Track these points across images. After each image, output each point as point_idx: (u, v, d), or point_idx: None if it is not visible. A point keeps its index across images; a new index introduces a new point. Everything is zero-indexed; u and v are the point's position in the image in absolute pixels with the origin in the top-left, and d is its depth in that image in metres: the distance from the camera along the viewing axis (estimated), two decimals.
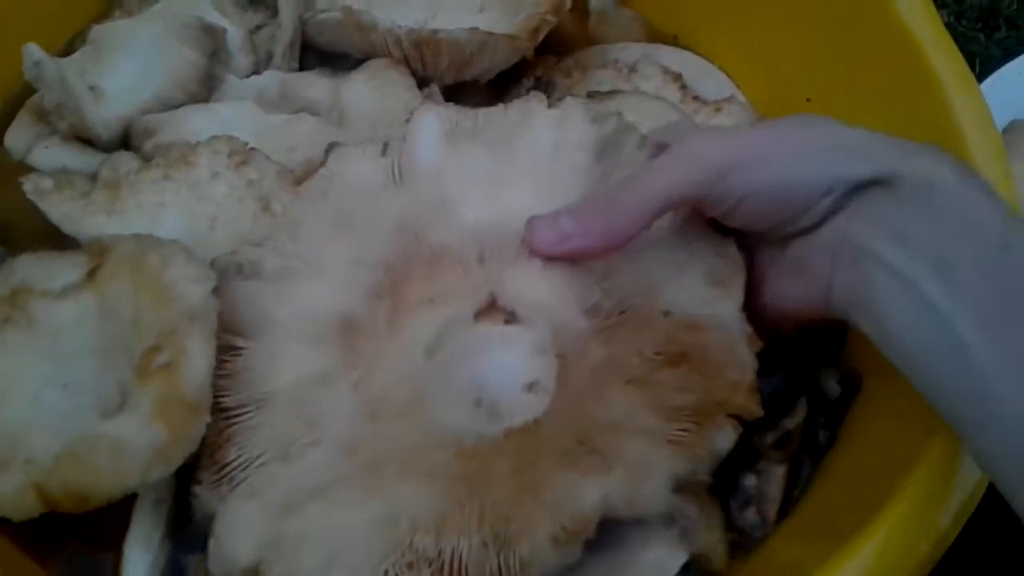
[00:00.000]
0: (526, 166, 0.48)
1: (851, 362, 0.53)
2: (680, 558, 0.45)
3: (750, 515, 0.47)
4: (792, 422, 0.48)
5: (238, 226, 0.49)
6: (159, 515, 0.45)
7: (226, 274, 0.45)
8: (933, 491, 0.38)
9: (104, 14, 0.65)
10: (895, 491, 0.38)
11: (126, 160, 0.52)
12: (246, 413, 0.44)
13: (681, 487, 0.40)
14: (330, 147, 0.49)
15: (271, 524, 0.40)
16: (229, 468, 0.43)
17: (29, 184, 0.50)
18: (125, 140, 0.56)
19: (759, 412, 0.41)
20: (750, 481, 0.47)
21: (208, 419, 0.44)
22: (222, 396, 0.43)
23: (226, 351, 0.44)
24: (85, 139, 0.56)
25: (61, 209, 0.50)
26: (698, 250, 0.45)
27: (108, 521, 0.45)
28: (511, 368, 0.43)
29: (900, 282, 0.37)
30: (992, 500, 0.38)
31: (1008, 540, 0.53)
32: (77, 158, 0.55)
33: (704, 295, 0.44)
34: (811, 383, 0.50)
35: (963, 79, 0.51)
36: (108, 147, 0.55)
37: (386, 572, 0.38)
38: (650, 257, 0.45)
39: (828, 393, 0.49)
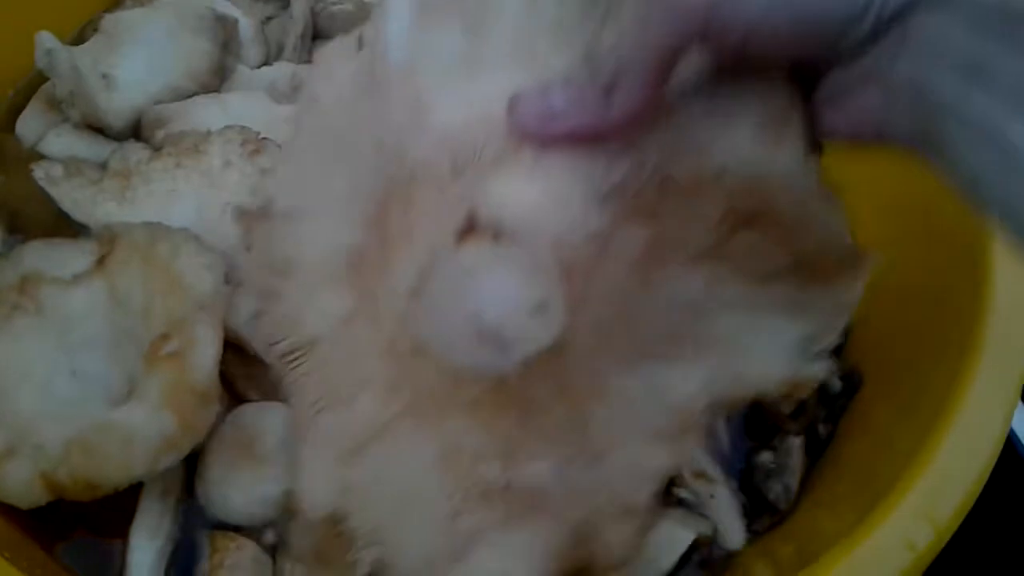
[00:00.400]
0: (503, 36, 0.39)
1: (852, 358, 0.53)
2: (688, 537, 0.45)
3: (774, 486, 0.47)
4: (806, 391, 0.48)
5: None
6: (166, 503, 0.45)
7: (252, 218, 0.43)
8: (935, 483, 0.38)
9: (116, 3, 0.65)
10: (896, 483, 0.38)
11: (136, 150, 0.53)
12: (296, 360, 0.41)
13: (800, 355, 0.36)
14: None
15: (340, 472, 0.38)
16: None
17: (40, 171, 0.50)
18: (136, 129, 0.56)
19: (862, 274, 0.37)
20: (767, 456, 0.48)
21: (217, 408, 0.44)
22: (274, 344, 0.41)
23: (267, 297, 0.42)
24: (97, 128, 0.56)
25: (71, 196, 0.50)
26: (742, 95, 0.36)
27: (115, 509, 0.45)
28: (506, 294, 0.37)
29: (980, 131, 0.29)
30: (992, 496, 0.39)
31: (1008, 537, 0.54)
32: (88, 147, 0.55)
33: (759, 147, 0.36)
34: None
35: None
36: (119, 136, 0.55)
37: (460, 505, 0.36)
38: (685, 114, 0.36)
39: (829, 388, 0.49)
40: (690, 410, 0.36)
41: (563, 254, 0.36)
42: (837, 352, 0.54)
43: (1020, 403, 0.53)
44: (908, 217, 0.53)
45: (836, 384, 0.49)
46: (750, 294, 0.36)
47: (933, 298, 0.49)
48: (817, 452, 0.50)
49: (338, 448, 0.39)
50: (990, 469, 0.40)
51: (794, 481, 0.48)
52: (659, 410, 0.36)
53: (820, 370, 0.36)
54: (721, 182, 0.35)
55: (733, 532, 0.47)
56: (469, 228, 0.37)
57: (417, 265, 0.38)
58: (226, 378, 0.47)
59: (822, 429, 0.50)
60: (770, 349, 0.36)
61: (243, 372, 0.48)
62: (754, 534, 0.48)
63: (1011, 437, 0.53)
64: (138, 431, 0.42)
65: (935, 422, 0.41)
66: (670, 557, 0.46)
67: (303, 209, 0.42)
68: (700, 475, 0.48)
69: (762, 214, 0.35)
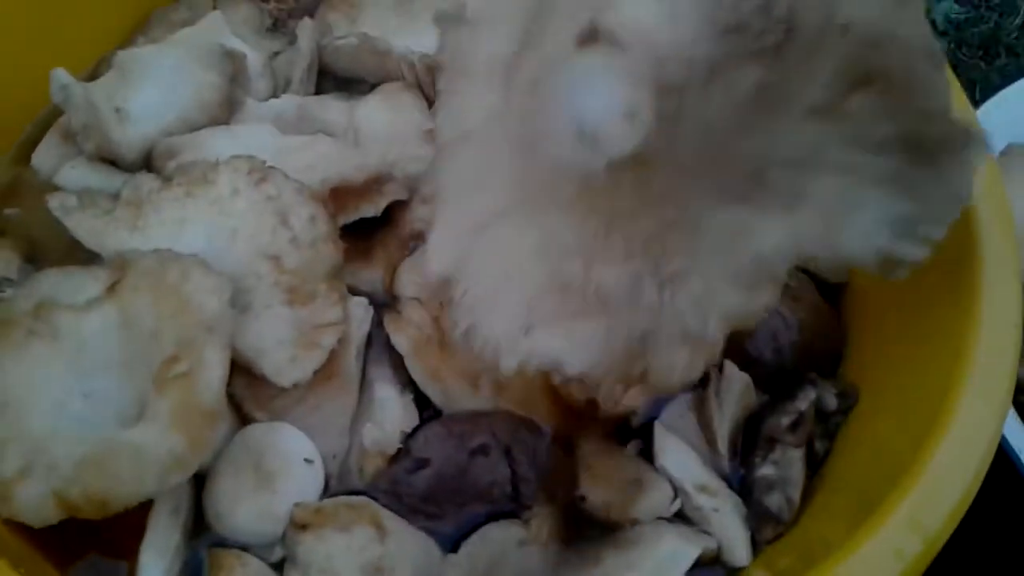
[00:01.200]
0: None
1: (848, 376, 0.54)
2: (692, 552, 0.46)
3: (776, 499, 0.48)
4: (804, 403, 0.49)
5: (257, 240, 0.50)
6: (175, 521, 0.46)
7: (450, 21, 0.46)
8: (925, 493, 0.39)
9: (129, 40, 0.67)
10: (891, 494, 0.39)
11: (148, 180, 0.54)
12: (453, 148, 0.45)
13: (901, 233, 0.37)
14: None
15: (464, 243, 0.43)
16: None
17: (55, 202, 0.52)
18: (148, 160, 0.58)
19: (972, 158, 0.36)
20: (768, 470, 0.48)
21: (225, 427, 0.45)
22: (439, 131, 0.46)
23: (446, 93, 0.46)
24: (110, 160, 0.58)
25: (84, 226, 0.52)
26: None
27: (126, 530, 0.46)
28: (604, 97, 0.38)
29: None
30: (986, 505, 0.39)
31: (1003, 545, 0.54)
32: (102, 178, 0.57)
33: (887, 5, 0.36)
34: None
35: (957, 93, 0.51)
36: (132, 167, 0.57)
37: (542, 294, 0.40)
38: None
39: (825, 405, 0.50)
40: (773, 261, 0.37)
41: (665, 70, 0.37)
42: (833, 371, 0.55)
43: (1012, 410, 0.54)
44: None
45: (832, 402, 0.50)
46: (857, 160, 0.36)
47: (924, 316, 0.50)
48: (814, 468, 0.51)
49: (465, 224, 0.43)
50: (981, 479, 0.41)
51: (796, 493, 0.48)
52: (741, 252, 0.37)
53: (917, 254, 0.36)
54: (845, 36, 0.36)
55: (738, 547, 0.48)
56: (590, 35, 0.39)
57: (542, 64, 0.41)
58: (233, 400, 0.49)
59: (818, 445, 0.50)
60: (869, 220, 0.36)
61: (250, 393, 0.49)
62: (756, 545, 0.48)
63: (1005, 447, 0.54)
64: (148, 450, 0.43)
65: (926, 435, 0.42)
66: (674, 574, 0.46)
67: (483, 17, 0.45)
68: (703, 489, 0.49)
69: (879, 77, 0.36)
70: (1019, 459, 0.53)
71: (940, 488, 0.39)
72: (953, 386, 0.43)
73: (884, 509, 0.39)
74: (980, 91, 0.84)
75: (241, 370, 0.48)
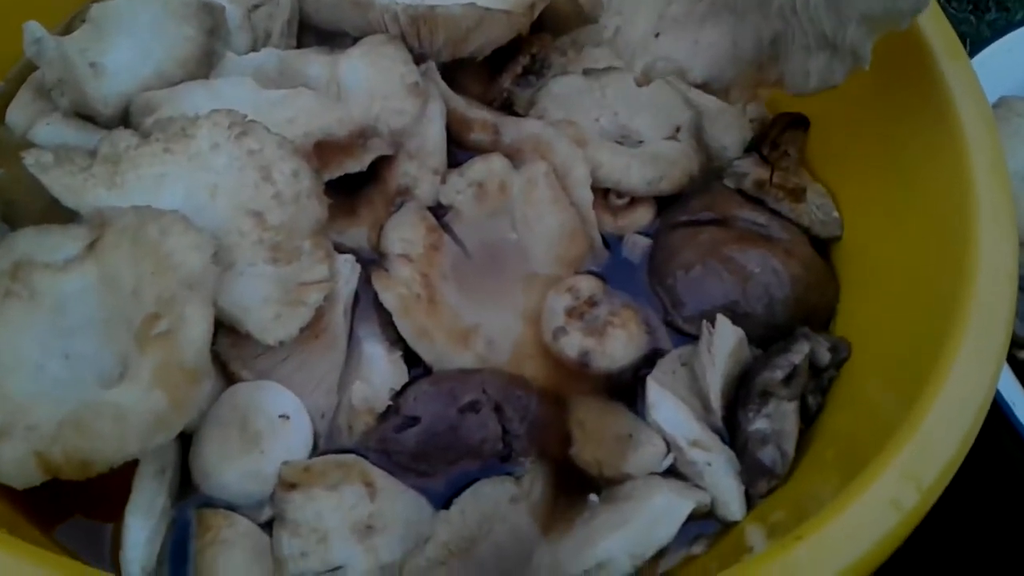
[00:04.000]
0: None
1: (840, 330, 0.53)
2: (686, 506, 0.46)
3: (770, 452, 0.47)
4: (798, 356, 0.49)
5: (239, 195, 0.49)
6: (161, 482, 0.45)
7: None
8: (920, 445, 0.39)
9: None
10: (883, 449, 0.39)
11: (125, 137, 0.53)
12: None
13: None
14: None
15: None
16: None
17: (31, 158, 0.51)
18: (125, 116, 0.56)
19: None
20: (761, 423, 0.48)
21: (209, 386, 0.44)
22: None
23: None
24: (86, 115, 0.56)
25: (62, 183, 0.50)
26: None
27: (111, 492, 0.45)
28: None
29: None
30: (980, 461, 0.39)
31: (997, 501, 0.54)
32: (77, 134, 0.55)
33: None
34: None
35: (953, 48, 0.51)
36: (108, 124, 0.56)
37: None
38: None
39: (818, 360, 0.50)
40: None
41: None
42: (826, 326, 0.54)
43: (1007, 367, 0.53)
44: (891, 191, 0.54)
45: (825, 356, 0.50)
46: None
47: (918, 269, 0.49)
48: (807, 422, 0.50)
49: None
50: (976, 431, 0.40)
51: (790, 446, 0.48)
52: None
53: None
54: None
55: (732, 501, 0.47)
56: None
57: None
58: (219, 359, 0.48)
59: (811, 400, 0.50)
60: None
61: (235, 352, 0.48)
62: (750, 499, 0.48)
63: (999, 401, 0.54)
64: (130, 410, 0.42)
65: (920, 388, 0.41)
66: (668, 528, 0.46)
67: None
68: (695, 443, 0.48)
69: None
70: (1013, 413, 0.53)
71: (935, 440, 0.39)
72: (948, 339, 0.42)
73: (880, 461, 0.39)
74: (970, 45, 0.83)
75: (226, 329, 0.47)
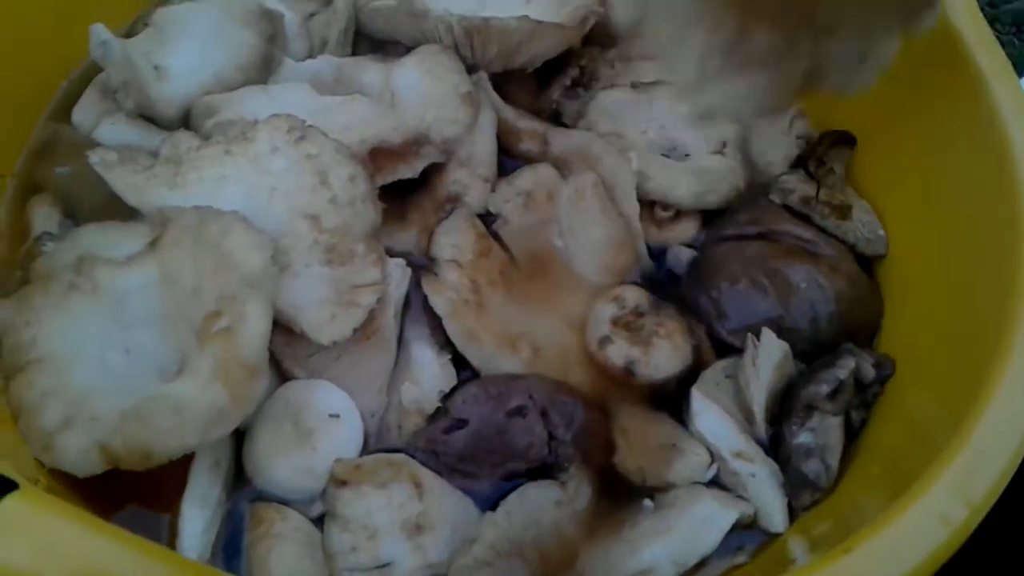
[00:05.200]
0: None
1: (884, 347, 0.53)
2: (730, 516, 0.46)
3: (814, 464, 0.48)
4: (843, 372, 0.49)
5: (296, 198, 0.50)
6: (217, 475, 0.46)
7: None
8: (969, 461, 0.39)
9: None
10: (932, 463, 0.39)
11: (187, 138, 0.54)
12: None
13: None
14: None
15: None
16: None
17: (96, 157, 0.52)
18: (186, 119, 0.58)
19: None
20: (806, 437, 0.48)
21: (266, 382, 0.46)
22: None
23: None
24: (149, 117, 0.58)
25: (125, 181, 0.52)
26: None
27: (165, 483, 0.46)
28: None
29: None
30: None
31: None
32: (140, 135, 0.57)
33: None
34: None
35: (1002, 67, 0.51)
36: (170, 125, 0.57)
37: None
38: None
39: (863, 376, 0.50)
40: None
41: None
42: (870, 342, 0.55)
43: None
44: (936, 209, 0.54)
45: (869, 372, 0.50)
46: None
47: (965, 286, 0.49)
48: (850, 438, 0.51)
49: None
50: (1018, 462, 0.40)
51: (835, 460, 0.48)
52: None
53: None
54: None
55: (775, 513, 0.48)
56: None
57: None
58: (273, 357, 0.49)
59: (855, 416, 0.50)
60: None
61: (289, 351, 0.49)
62: (793, 512, 0.48)
63: None
64: (190, 403, 0.43)
65: (969, 405, 0.41)
66: (712, 537, 0.46)
67: None
68: (739, 455, 0.49)
69: None
70: None
71: (984, 455, 0.39)
72: (997, 355, 0.42)
73: (928, 476, 0.39)
74: (1015, 68, 0.82)
75: (280, 328, 0.48)
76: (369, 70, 0.61)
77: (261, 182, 0.51)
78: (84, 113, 0.59)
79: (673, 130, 0.63)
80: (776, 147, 0.63)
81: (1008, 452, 0.39)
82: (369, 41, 0.66)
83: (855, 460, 0.49)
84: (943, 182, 0.53)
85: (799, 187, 0.58)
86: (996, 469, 0.39)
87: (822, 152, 0.59)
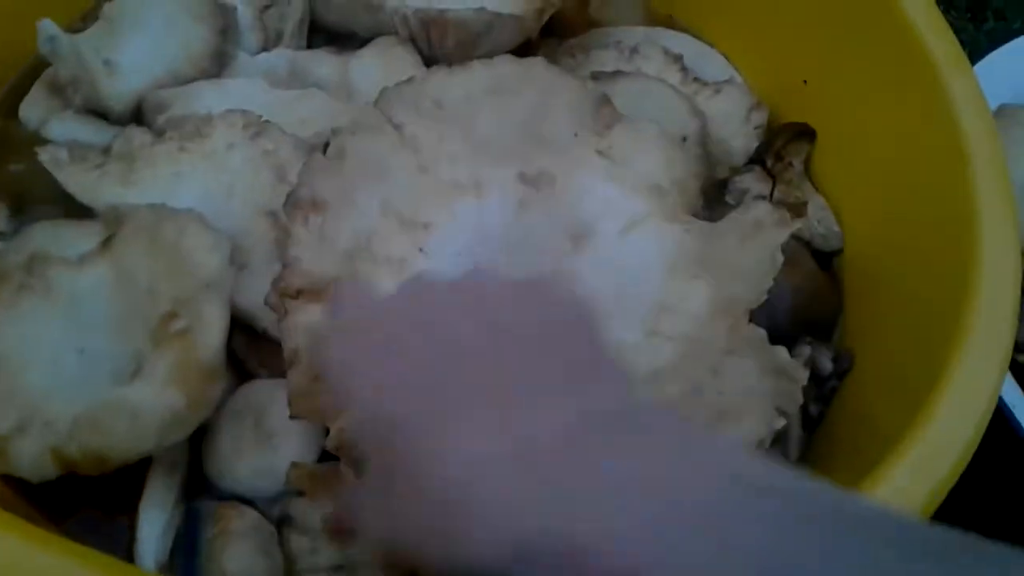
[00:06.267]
0: None
1: (843, 341, 0.54)
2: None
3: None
4: (799, 360, 0.49)
5: (254, 195, 0.50)
6: (173, 477, 0.46)
7: None
8: (924, 453, 0.40)
9: None
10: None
11: (139, 134, 0.53)
12: None
13: None
14: None
15: None
16: None
17: (45, 155, 0.51)
18: (137, 114, 0.56)
19: None
20: None
21: (224, 385, 0.45)
22: None
23: None
24: (99, 113, 0.56)
25: (76, 179, 0.51)
26: None
27: (120, 487, 0.46)
28: None
29: None
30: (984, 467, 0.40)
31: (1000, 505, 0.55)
32: (90, 131, 0.56)
33: None
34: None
35: (956, 59, 0.52)
36: (121, 121, 0.56)
37: None
38: None
39: (820, 369, 0.50)
40: None
41: None
42: (828, 335, 0.55)
43: (1008, 374, 0.54)
44: (893, 202, 0.55)
45: (827, 365, 0.51)
46: None
47: (921, 280, 0.50)
48: (809, 430, 0.51)
49: None
50: (977, 440, 0.41)
51: (793, 451, 0.49)
52: None
53: None
54: None
55: None
56: None
57: None
58: (235, 357, 0.48)
59: (813, 408, 0.51)
60: None
61: (251, 351, 0.49)
62: None
63: (1002, 406, 0.55)
64: (146, 407, 0.43)
65: (923, 398, 0.42)
66: None
67: None
68: None
69: None
70: (1016, 419, 0.55)
71: (938, 449, 0.40)
72: (951, 350, 0.43)
73: (882, 469, 0.39)
74: (969, 54, 0.83)
75: (242, 327, 0.48)
76: (325, 63, 0.60)
77: (218, 179, 0.50)
78: (32, 109, 0.58)
79: None
80: (736, 138, 0.63)
81: (961, 445, 0.40)
82: (325, 34, 0.65)
83: (814, 453, 0.50)
84: (900, 176, 0.54)
85: (754, 186, 0.58)
86: (949, 462, 0.40)
87: (780, 146, 0.60)
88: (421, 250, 0.46)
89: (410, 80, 0.50)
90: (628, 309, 0.46)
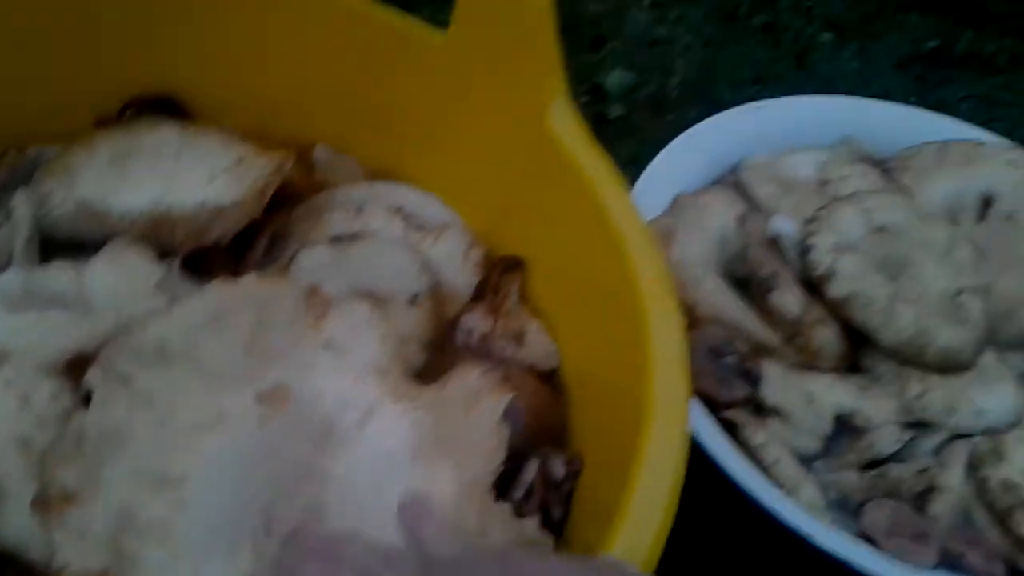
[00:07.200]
0: None
1: (575, 445, 0.61)
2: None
3: None
4: (529, 474, 0.55)
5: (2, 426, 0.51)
6: None
7: None
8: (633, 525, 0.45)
9: None
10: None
11: None
12: None
13: None
14: None
15: None
16: None
17: None
18: None
19: None
20: None
21: None
22: None
23: None
24: None
25: None
26: None
27: None
28: None
29: None
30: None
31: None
32: None
33: None
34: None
35: (612, 181, 0.59)
36: None
37: None
38: None
39: (554, 475, 0.56)
40: None
41: None
42: (562, 442, 0.62)
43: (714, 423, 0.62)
44: (586, 313, 0.62)
45: (560, 469, 0.57)
46: None
47: (617, 381, 0.55)
48: (558, 533, 0.56)
49: None
50: (675, 501, 0.46)
51: None
52: None
53: None
54: None
55: None
56: None
57: None
58: None
59: (556, 511, 0.56)
60: None
61: None
62: None
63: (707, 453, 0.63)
64: None
65: (625, 481, 0.47)
66: None
67: None
68: None
69: None
70: (720, 462, 0.63)
71: (642, 519, 0.45)
72: (640, 431, 0.48)
73: (604, 548, 0.44)
74: (652, 148, 0.88)
75: (8, 560, 0.48)
76: (59, 277, 0.62)
77: None
78: None
79: (371, 284, 0.66)
80: (461, 275, 0.69)
81: (660, 510, 0.45)
82: (58, 245, 0.66)
83: (564, 552, 0.55)
84: (588, 285, 0.61)
85: (478, 325, 0.65)
86: (653, 527, 0.45)
87: (495, 280, 0.67)
88: (181, 505, 0.48)
89: (128, 332, 0.53)
90: (386, 502, 0.49)
